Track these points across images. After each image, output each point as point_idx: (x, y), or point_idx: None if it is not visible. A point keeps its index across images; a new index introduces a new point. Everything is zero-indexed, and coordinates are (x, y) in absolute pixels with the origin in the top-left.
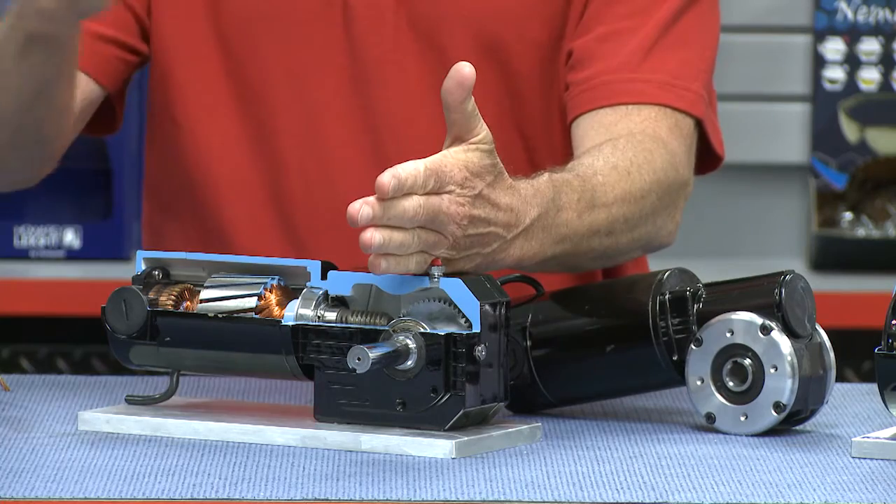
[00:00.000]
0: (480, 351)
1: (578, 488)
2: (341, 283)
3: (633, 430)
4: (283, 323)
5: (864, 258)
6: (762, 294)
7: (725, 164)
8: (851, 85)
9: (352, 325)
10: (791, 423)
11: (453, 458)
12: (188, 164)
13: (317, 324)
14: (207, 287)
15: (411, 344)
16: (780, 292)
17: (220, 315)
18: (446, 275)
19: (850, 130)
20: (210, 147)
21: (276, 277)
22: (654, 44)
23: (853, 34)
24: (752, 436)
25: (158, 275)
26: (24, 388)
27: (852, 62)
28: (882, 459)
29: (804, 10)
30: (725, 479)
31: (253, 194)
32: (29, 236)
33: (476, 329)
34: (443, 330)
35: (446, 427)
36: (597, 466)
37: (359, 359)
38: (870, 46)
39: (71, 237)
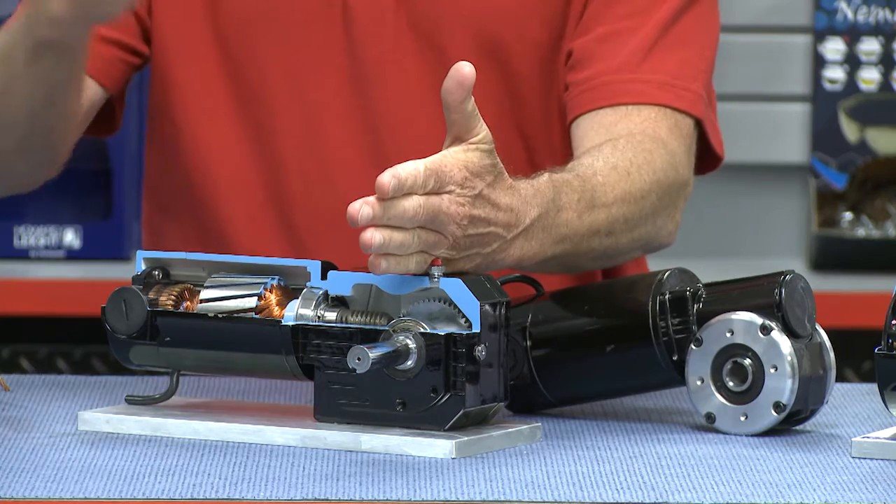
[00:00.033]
0: (480, 351)
1: (578, 488)
2: (341, 283)
3: (633, 430)
4: (283, 323)
5: (864, 258)
6: (762, 294)
7: (725, 164)
8: (851, 85)
9: (352, 325)
10: (791, 423)
11: (453, 458)
12: (188, 164)
13: (317, 324)
14: (207, 287)
15: (411, 344)
16: (780, 292)
17: (220, 315)
18: (446, 275)
19: (850, 130)
20: (210, 147)
21: (276, 277)
22: (653, 44)
23: (853, 34)
24: (752, 436)
25: (158, 275)
26: (24, 388)
27: (852, 62)
28: (882, 459)
29: (804, 10)
30: (725, 479)
31: (253, 194)
32: (29, 236)
33: (476, 329)
34: (443, 330)
35: (446, 427)
36: (597, 466)
37: (359, 359)
38: (870, 46)
39: (71, 237)
